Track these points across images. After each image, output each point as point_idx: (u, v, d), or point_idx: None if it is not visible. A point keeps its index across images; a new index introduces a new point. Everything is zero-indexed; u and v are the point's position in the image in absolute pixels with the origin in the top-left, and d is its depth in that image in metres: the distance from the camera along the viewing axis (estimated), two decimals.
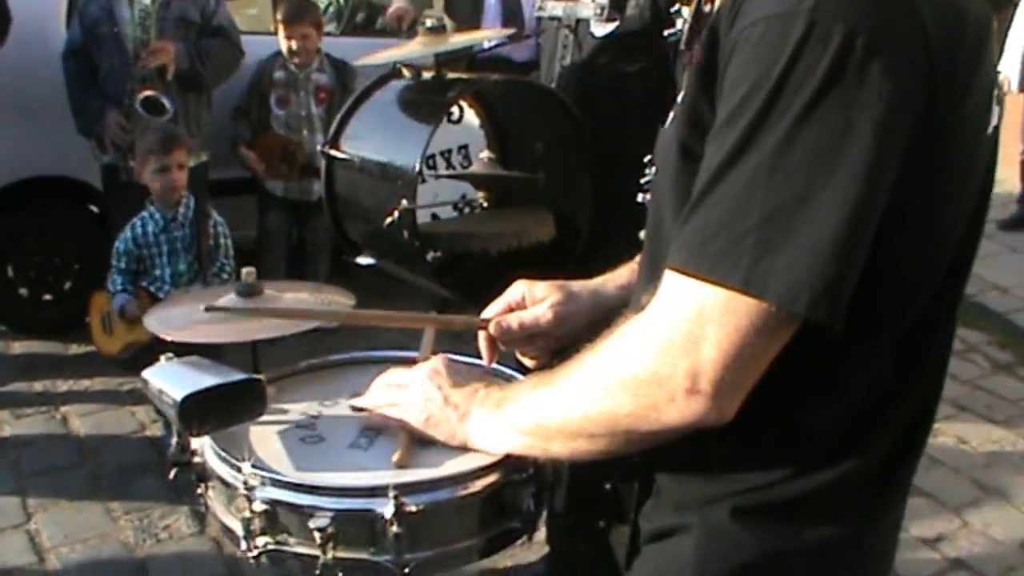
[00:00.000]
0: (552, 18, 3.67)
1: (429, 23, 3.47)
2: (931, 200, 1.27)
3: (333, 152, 3.46)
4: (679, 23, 1.56)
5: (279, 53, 5.86)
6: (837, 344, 1.23)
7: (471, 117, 3.66)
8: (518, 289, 1.84)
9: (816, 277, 1.17)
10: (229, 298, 2.06)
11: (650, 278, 1.38)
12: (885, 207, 1.20)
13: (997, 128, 1.37)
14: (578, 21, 3.55)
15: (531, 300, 1.82)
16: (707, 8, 1.45)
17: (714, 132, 1.24)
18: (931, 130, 1.21)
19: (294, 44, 5.74)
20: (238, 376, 1.62)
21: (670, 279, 1.26)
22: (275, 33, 5.90)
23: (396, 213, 3.11)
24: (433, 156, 3.47)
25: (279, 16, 5.85)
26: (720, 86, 1.26)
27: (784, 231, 1.17)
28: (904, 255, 1.28)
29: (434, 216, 3.58)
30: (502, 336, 1.79)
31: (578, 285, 1.88)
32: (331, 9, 8.07)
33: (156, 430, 4.85)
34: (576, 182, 3.47)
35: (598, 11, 3.47)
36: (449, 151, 3.62)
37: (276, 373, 1.87)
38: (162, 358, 1.70)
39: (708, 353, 1.21)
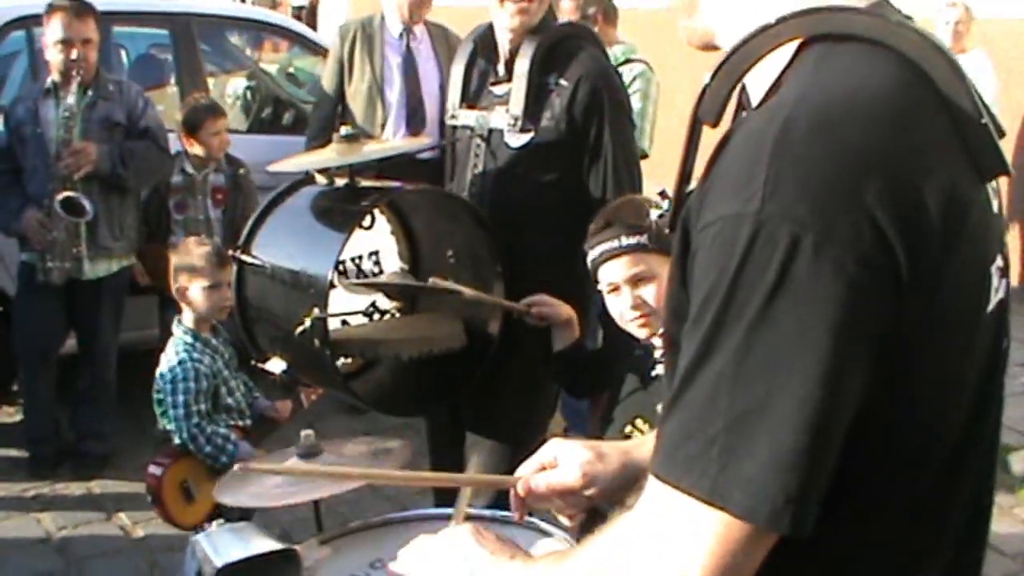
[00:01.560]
0: (464, 127, 3.71)
1: (344, 131, 3.48)
2: (919, 389, 1.26)
3: (244, 257, 3.45)
4: (664, 204, 1.59)
5: (178, 155, 5.76)
6: (838, 535, 1.23)
7: (382, 223, 3.67)
8: (550, 448, 1.89)
9: (778, 488, 1.15)
10: (292, 461, 2.08)
11: None
12: (859, 406, 1.19)
13: (1004, 302, 1.35)
14: (491, 131, 3.60)
15: (562, 459, 1.87)
16: (686, 196, 1.43)
17: (686, 329, 1.25)
18: (902, 321, 1.20)
19: (215, 142, 5.70)
20: (276, 546, 1.65)
21: (651, 484, 1.25)
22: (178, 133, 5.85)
23: (307, 321, 3.10)
24: (344, 262, 3.46)
25: (198, 118, 5.77)
26: (691, 281, 1.27)
27: (747, 439, 1.16)
28: (894, 449, 1.27)
29: (344, 321, 3.56)
30: (530, 497, 1.85)
31: (609, 446, 1.94)
32: (238, 104, 8.08)
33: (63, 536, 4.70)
34: (487, 291, 3.49)
35: (512, 122, 3.51)
36: (360, 257, 3.61)
37: (331, 534, 1.89)
38: (214, 524, 1.72)
39: (687, 567, 1.19)
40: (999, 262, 1.33)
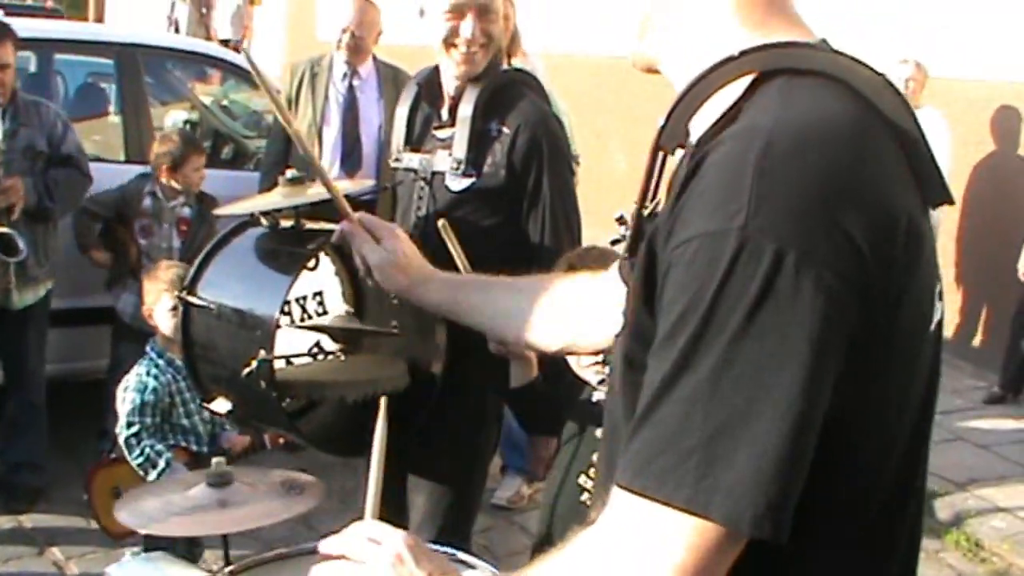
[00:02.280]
0: (407, 169, 3.77)
1: (289, 174, 3.53)
2: (874, 403, 1.32)
3: (190, 298, 3.48)
4: (621, 229, 1.63)
5: (145, 178, 5.81)
6: (793, 548, 1.26)
7: (327, 264, 3.71)
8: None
9: (760, 495, 1.19)
10: (199, 488, 2.08)
11: (607, 477, 1.41)
12: (825, 416, 1.24)
13: (940, 323, 1.43)
14: (434, 174, 3.66)
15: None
16: (647, 217, 1.53)
17: (655, 348, 1.29)
18: (868, 337, 1.25)
19: (195, 178, 5.73)
20: None
21: (618, 496, 1.28)
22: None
23: (254, 363, 3.14)
24: (288, 303, 3.50)
25: (183, 154, 5.79)
26: (659, 301, 1.31)
27: (726, 450, 1.20)
28: (851, 458, 1.32)
29: (288, 360, 3.60)
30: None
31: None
32: None
33: None
34: (430, 332, 3.55)
35: (454, 165, 3.58)
36: (304, 297, 3.65)
37: (245, 563, 1.89)
38: (128, 553, 1.74)
39: (657, 573, 1.23)
40: (938, 286, 1.42)
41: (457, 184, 3.59)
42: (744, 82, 1.38)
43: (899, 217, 1.30)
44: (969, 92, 8.98)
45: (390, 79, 5.96)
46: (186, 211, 5.90)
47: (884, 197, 1.30)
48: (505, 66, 3.97)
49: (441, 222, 3.33)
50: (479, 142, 3.56)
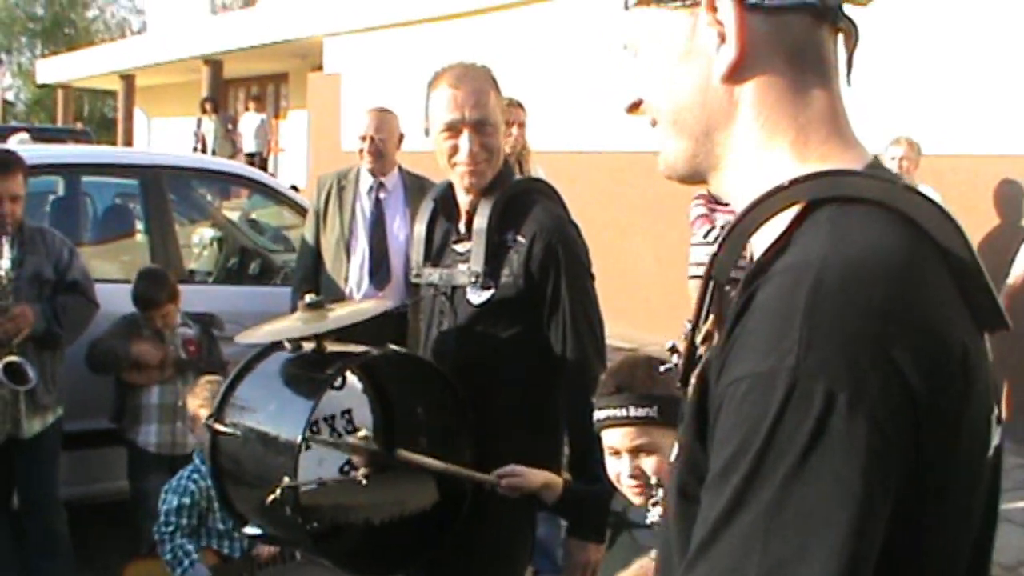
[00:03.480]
0: (428, 284, 3.79)
1: (308, 299, 3.55)
2: (931, 533, 1.30)
3: (217, 426, 3.50)
4: (674, 358, 1.62)
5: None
6: None
7: (354, 382, 3.74)
8: None
9: None
10: None
11: None
12: (880, 547, 1.22)
13: (1000, 448, 1.40)
14: (454, 288, 3.68)
15: None
16: (700, 349, 1.49)
17: (708, 483, 1.27)
18: (924, 470, 1.24)
19: (158, 322, 5.79)
20: None
21: None
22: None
23: (278, 491, 3.15)
24: (317, 422, 3.52)
25: (135, 296, 5.86)
26: (711, 436, 1.30)
27: None
28: None
29: (320, 482, 3.61)
30: None
31: None
32: (205, 254, 8.17)
33: None
34: (457, 448, 3.55)
35: (473, 278, 3.59)
36: (333, 416, 3.67)
37: None
38: None
39: None
40: (996, 411, 1.38)
41: (477, 297, 3.60)
42: (794, 211, 1.36)
43: (952, 347, 1.28)
44: (967, 168, 9.00)
45: (416, 189, 5.91)
46: (189, 332, 5.96)
47: (937, 328, 1.28)
48: (518, 175, 3.99)
49: (399, 452, 3.41)
50: (496, 253, 3.57)
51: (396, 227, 5.97)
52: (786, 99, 1.45)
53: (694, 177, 1.55)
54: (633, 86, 1.58)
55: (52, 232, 5.69)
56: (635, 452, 2.81)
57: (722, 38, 1.44)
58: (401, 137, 6.05)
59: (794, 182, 1.37)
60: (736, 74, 1.45)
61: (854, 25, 1.51)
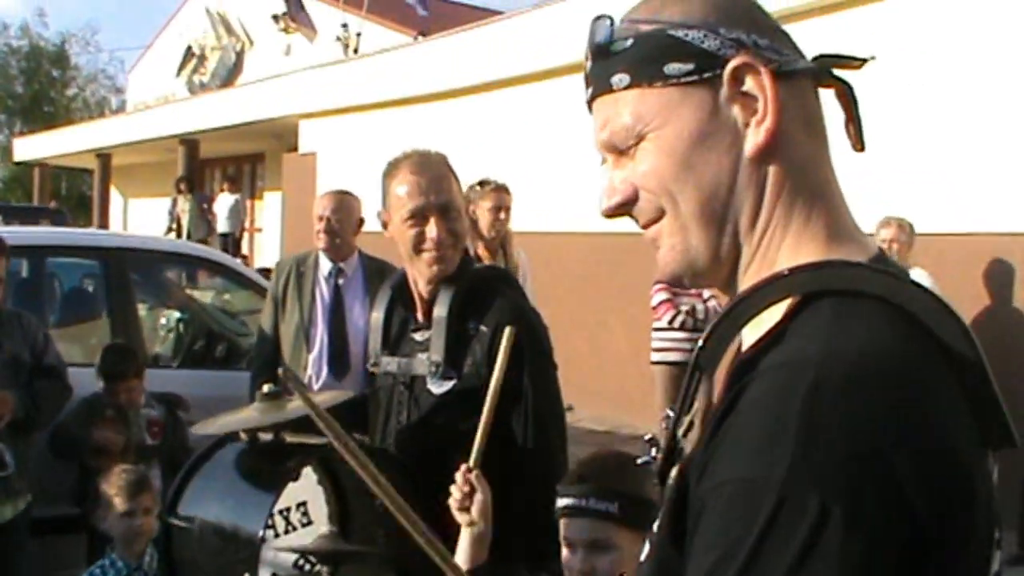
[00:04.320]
0: (386, 373, 3.72)
1: (266, 388, 3.49)
2: None
3: (172, 520, 3.42)
4: (652, 451, 1.54)
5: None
6: None
7: (309, 473, 3.66)
8: None
9: None
10: None
11: None
12: None
13: (998, 575, 1.31)
14: (413, 378, 3.62)
15: None
16: (681, 445, 1.40)
17: None
18: None
19: (122, 398, 5.71)
20: None
21: None
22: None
23: None
24: (272, 515, 3.44)
25: (100, 373, 5.80)
26: (689, 542, 1.22)
27: None
28: None
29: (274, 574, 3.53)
30: None
31: None
32: (170, 337, 8.11)
33: None
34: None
35: (433, 368, 3.53)
36: (288, 509, 3.59)
37: None
38: None
39: None
40: (997, 534, 1.29)
41: (438, 387, 3.54)
42: (791, 302, 1.29)
43: (957, 463, 1.20)
44: (959, 247, 8.94)
45: (376, 274, 5.77)
46: (154, 413, 5.86)
47: (941, 441, 1.19)
48: (501, 258, 3.95)
49: (509, 329, 3.25)
50: (457, 343, 3.52)
51: (356, 314, 5.87)
52: (803, 175, 1.39)
53: (710, 273, 1.44)
54: (616, 184, 1.46)
55: (28, 316, 5.68)
56: (590, 547, 2.71)
57: (749, 112, 1.37)
58: (361, 221, 5.96)
59: (793, 271, 1.30)
60: (768, 149, 1.37)
61: (844, 82, 1.45)
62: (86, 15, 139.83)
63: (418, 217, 3.47)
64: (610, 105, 1.44)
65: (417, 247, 3.50)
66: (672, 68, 1.38)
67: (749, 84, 1.36)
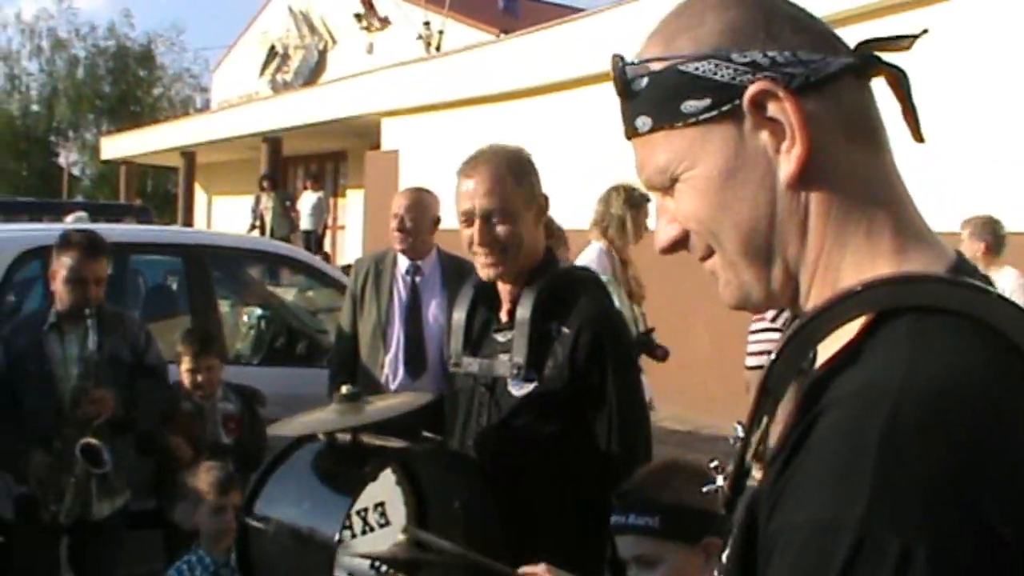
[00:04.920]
0: (467, 375, 3.67)
1: (344, 390, 3.45)
2: None
3: (248, 520, 3.39)
4: (719, 479, 1.46)
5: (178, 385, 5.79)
6: None
7: (388, 474, 3.61)
8: None
9: None
10: None
11: None
12: None
13: None
14: (495, 379, 3.55)
15: None
16: (749, 469, 1.32)
17: None
18: None
19: (199, 377, 5.70)
20: None
21: None
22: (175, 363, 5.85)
23: None
24: (349, 515, 3.40)
25: (182, 347, 5.80)
26: None
27: None
28: None
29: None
30: None
31: None
32: (252, 333, 8.12)
33: None
34: (493, 543, 3.41)
35: (515, 370, 3.47)
36: (366, 510, 3.54)
37: None
38: None
39: None
40: None
41: (519, 389, 3.47)
42: (865, 319, 1.19)
43: None
44: None
45: (454, 273, 5.66)
46: (230, 407, 5.85)
47: None
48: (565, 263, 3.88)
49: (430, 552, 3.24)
50: (539, 345, 3.45)
51: (432, 313, 5.82)
52: (852, 187, 1.28)
53: (771, 304, 1.38)
54: (665, 225, 1.39)
55: (130, 315, 5.83)
56: (638, 562, 2.66)
57: (780, 137, 1.27)
58: (437, 219, 5.90)
59: (867, 287, 1.20)
60: (805, 174, 1.27)
61: (894, 69, 1.32)
62: (171, 15, 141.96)
63: (467, 219, 3.45)
64: (643, 146, 1.37)
65: (469, 248, 3.49)
66: (689, 106, 1.30)
67: (772, 109, 1.26)
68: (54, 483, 5.12)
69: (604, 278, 6.38)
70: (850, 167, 1.28)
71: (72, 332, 5.28)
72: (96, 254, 5.35)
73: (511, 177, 3.48)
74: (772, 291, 1.34)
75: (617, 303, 5.95)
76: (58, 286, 5.35)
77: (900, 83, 1.32)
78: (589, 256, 6.75)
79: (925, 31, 1.33)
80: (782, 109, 1.25)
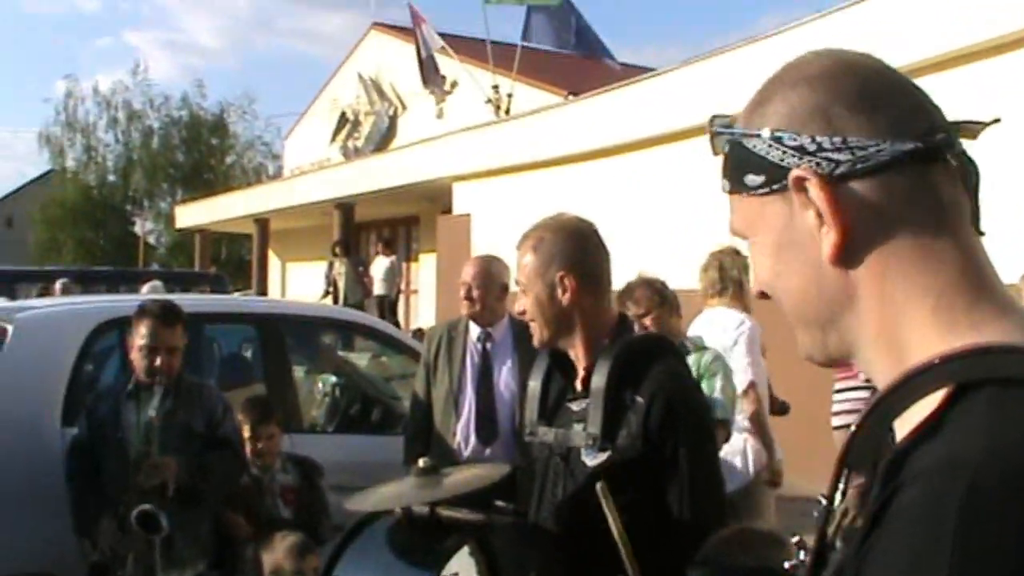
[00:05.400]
0: (543, 445, 3.63)
1: (422, 463, 3.43)
2: None
3: None
4: (801, 554, 1.46)
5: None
6: None
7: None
8: None
9: None
10: None
11: None
12: None
13: None
14: (569, 450, 3.52)
15: None
16: (831, 542, 1.30)
17: None
18: None
19: (260, 444, 5.70)
20: None
21: None
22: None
23: None
24: None
25: (241, 415, 5.82)
26: None
27: None
28: None
29: None
30: None
31: None
32: (326, 401, 8.13)
33: None
34: None
35: (589, 441, 3.43)
36: None
37: None
38: None
39: None
40: None
41: (592, 459, 3.43)
42: (945, 392, 1.17)
43: None
44: None
45: (526, 340, 5.58)
46: (288, 479, 5.84)
47: None
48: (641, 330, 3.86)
49: (599, 485, 3.16)
50: (613, 414, 3.41)
51: (503, 380, 5.81)
52: (914, 266, 1.27)
53: (835, 363, 1.40)
54: (753, 277, 1.45)
55: (211, 387, 5.81)
56: None
57: (821, 219, 1.29)
58: (505, 287, 5.89)
59: (945, 359, 1.18)
60: (845, 255, 1.29)
61: (970, 161, 1.32)
62: (243, 84, 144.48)
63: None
64: (730, 202, 1.44)
65: None
66: (750, 180, 1.37)
67: (811, 194, 1.30)
68: (119, 550, 5.14)
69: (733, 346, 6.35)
70: (909, 248, 1.28)
71: (148, 400, 5.32)
72: (170, 323, 5.42)
73: (531, 250, 3.56)
74: (831, 355, 1.38)
75: (719, 385, 5.91)
76: (134, 355, 5.44)
77: (967, 177, 1.32)
78: (731, 323, 6.65)
79: (997, 120, 1.35)
80: (816, 196, 1.29)
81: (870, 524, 1.13)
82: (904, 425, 1.19)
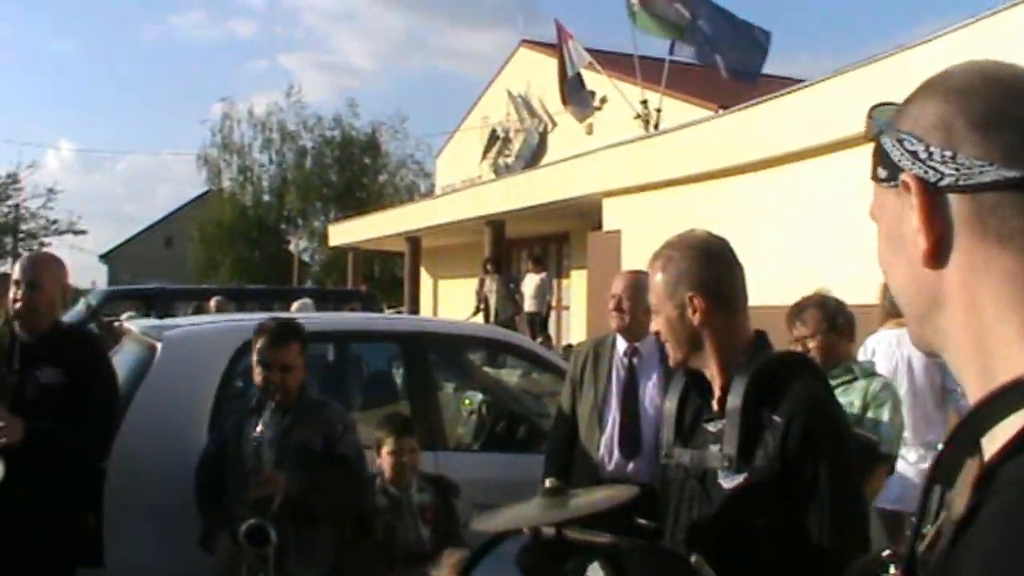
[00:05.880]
0: (679, 466, 3.56)
1: (548, 483, 3.39)
2: None
3: None
4: (891, 568, 1.44)
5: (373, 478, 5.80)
6: None
7: (595, 568, 3.52)
8: None
9: None
10: None
11: None
12: None
13: None
14: (705, 472, 3.44)
15: None
16: (921, 558, 1.31)
17: None
18: None
19: (403, 459, 5.69)
20: None
21: None
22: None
23: None
24: None
25: (381, 432, 5.81)
26: None
27: None
28: None
29: None
30: None
31: None
32: (472, 419, 8.12)
33: None
34: None
35: (725, 462, 3.35)
36: None
37: None
38: None
39: None
40: None
41: (729, 481, 3.35)
42: None
43: None
44: None
45: None
46: (426, 498, 5.81)
47: None
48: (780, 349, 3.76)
49: (695, 557, 3.09)
50: (750, 435, 3.32)
51: (649, 395, 5.78)
52: (1004, 282, 1.29)
53: (935, 354, 1.43)
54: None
55: (332, 405, 5.79)
56: None
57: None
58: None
59: None
60: (935, 260, 1.34)
61: None
62: (394, 104, 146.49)
63: None
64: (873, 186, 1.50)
65: None
66: (880, 171, 1.45)
67: (913, 198, 1.36)
68: (232, 564, 5.18)
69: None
70: (1000, 266, 1.30)
71: (263, 418, 5.35)
72: (283, 342, 5.43)
73: (656, 272, 3.57)
74: (930, 347, 1.42)
75: (887, 416, 5.77)
76: (254, 371, 5.50)
77: None
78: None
79: None
80: (916, 201, 1.35)
81: (954, 539, 1.16)
82: (992, 442, 1.20)
